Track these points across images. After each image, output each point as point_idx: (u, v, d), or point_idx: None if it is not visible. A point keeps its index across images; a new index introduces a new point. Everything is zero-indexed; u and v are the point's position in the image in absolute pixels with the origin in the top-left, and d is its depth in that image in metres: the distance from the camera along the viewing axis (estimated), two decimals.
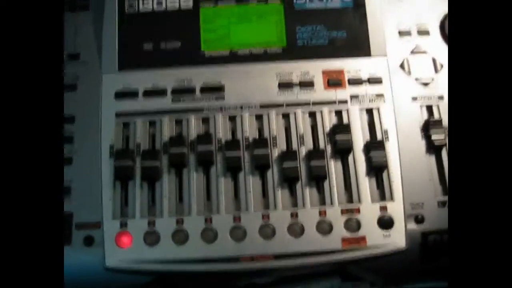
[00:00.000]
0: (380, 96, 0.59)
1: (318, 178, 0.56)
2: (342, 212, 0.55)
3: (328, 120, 0.58)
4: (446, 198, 0.56)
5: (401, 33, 0.62)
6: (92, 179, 0.56)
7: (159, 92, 0.59)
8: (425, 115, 0.60)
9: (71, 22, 0.62)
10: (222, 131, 0.58)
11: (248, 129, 0.58)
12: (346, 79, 0.60)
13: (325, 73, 0.60)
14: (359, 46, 0.61)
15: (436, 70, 0.61)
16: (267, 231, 0.55)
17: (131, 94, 0.59)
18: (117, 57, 0.60)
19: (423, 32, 0.63)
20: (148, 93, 0.59)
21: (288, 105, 0.59)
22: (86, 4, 0.63)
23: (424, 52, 0.62)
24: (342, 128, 0.58)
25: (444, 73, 0.61)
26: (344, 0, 0.63)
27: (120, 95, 0.59)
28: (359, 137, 0.58)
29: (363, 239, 0.55)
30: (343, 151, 0.57)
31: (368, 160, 0.57)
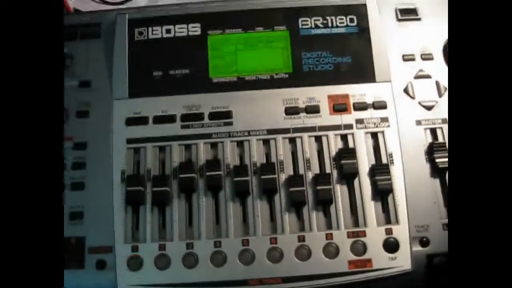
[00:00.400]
0: (384, 120, 0.61)
1: (324, 202, 0.57)
2: (348, 235, 0.56)
3: (334, 144, 0.60)
4: None
5: (405, 58, 0.63)
6: (104, 204, 0.58)
7: (168, 119, 0.61)
8: (429, 138, 0.60)
9: (83, 50, 0.64)
10: (230, 156, 0.59)
11: (256, 154, 0.59)
12: (351, 104, 0.61)
13: (330, 98, 0.61)
14: (364, 71, 0.62)
15: (440, 94, 0.62)
16: (275, 255, 0.56)
17: (141, 121, 0.61)
18: (128, 84, 0.62)
19: (426, 57, 0.63)
20: (158, 120, 0.61)
21: (294, 130, 0.60)
22: (98, 32, 0.65)
23: (427, 76, 0.63)
24: (347, 152, 0.59)
25: (447, 97, 0.62)
26: (349, 26, 0.64)
27: (131, 121, 0.61)
28: (365, 161, 0.59)
29: (369, 261, 0.56)
30: (349, 175, 0.58)
31: (374, 184, 0.58)
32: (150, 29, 0.64)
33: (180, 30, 0.64)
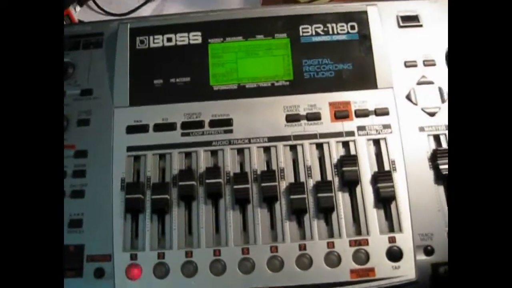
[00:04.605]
0: (387, 126, 0.60)
1: (326, 210, 0.56)
2: (351, 244, 0.55)
3: (335, 151, 0.59)
4: None
5: (407, 64, 0.63)
6: (103, 211, 0.57)
7: (168, 126, 0.60)
8: (432, 145, 0.59)
9: (85, 59, 0.64)
10: (230, 164, 0.59)
11: (256, 162, 0.59)
12: (353, 110, 0.60)
13: (331, 105, 0.61)
14: (365, 78, 0.62)
15: (442, 100, 0.61)
16: (275, 264, 0.55)
17: (141, 129, 0.60)
18: (129, 92, 0.62)
19: (429, 63, 0.63)
20: (158, 128, 0.60)
21: (295, 137, 0.60)
22: (100, 41, 0.65)
23: (430, 83, 0.62)
24: (349, 159, 0.58)
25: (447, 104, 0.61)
26: (349, 33, 0.64)
27: (131, 129, 0.60)
28: (367, 168, 0.58)
29: (372, 270, 0.54)
30: (350, 183, 0.57)
31: (376, 191, 0.57)
32: (151, 37, 0.64)
33: (181, 39, 0.64)
